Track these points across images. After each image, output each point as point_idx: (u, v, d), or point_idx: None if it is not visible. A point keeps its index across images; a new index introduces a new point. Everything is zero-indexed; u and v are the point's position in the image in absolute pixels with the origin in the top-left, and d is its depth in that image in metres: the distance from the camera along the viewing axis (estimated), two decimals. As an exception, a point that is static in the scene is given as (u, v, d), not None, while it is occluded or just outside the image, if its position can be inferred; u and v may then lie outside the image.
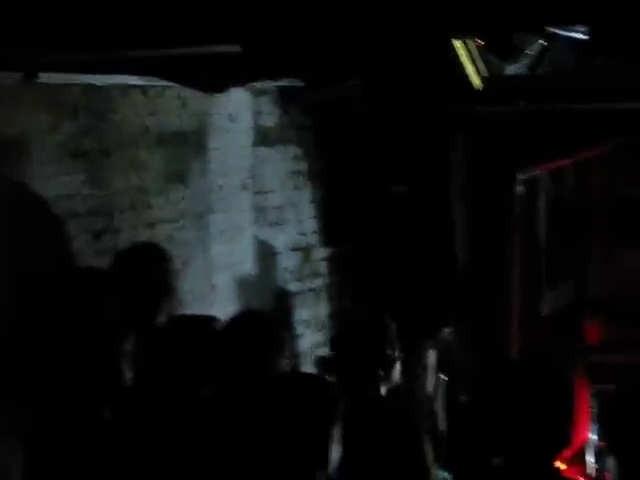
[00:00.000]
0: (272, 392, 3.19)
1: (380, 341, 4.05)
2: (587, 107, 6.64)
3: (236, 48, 3.90)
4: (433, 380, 6.39)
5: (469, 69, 6.49)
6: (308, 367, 6.19)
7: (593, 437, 7.19)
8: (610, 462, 4.04)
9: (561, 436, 3.14)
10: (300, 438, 3.03)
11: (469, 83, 6.47)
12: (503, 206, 6.91)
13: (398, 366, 4.11)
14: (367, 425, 3.64)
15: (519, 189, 6.97)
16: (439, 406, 6.25)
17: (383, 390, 4.07)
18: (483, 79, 6.63)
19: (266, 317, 4.13)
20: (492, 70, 6.73)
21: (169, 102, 5.48)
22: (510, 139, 6.81)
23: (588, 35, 6.36)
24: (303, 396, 3.11)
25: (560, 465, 6.74)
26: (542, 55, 6.86)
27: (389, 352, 4.05)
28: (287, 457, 3.02)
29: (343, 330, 4.35)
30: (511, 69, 6.94)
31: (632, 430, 3.80)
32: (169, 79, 5.29)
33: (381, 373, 3.97)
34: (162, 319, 4.42)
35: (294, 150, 6.44)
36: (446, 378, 6.47)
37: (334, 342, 4.27)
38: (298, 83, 6.07)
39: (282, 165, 6.35)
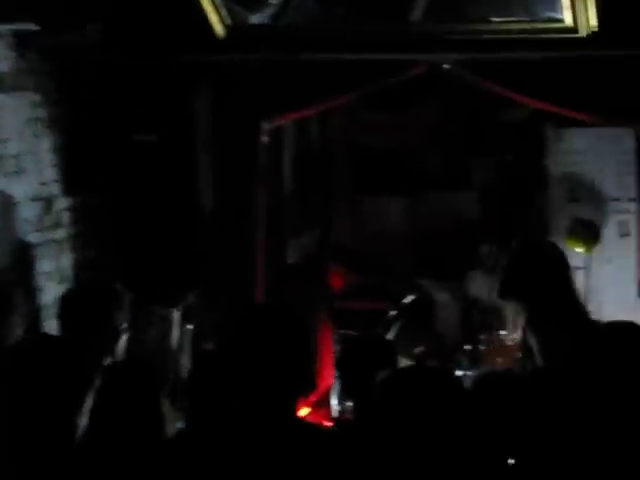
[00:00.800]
0: (12, 358, 3.04)
1: (106, 306, 4.03)
2: (330, 57, 6.73)
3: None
4: (178, 333, 6.38)
5: (212, 17, 6.44)
6: (51, 322, 6.04)
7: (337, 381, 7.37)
8: (348, 405, 4.17)
9: (303, 382, 3.16)
10: (44, 407, 2.92)
11: (212, 31, 6.43)
12: (247, 156, 6.92)
13: (126, 326, 4.11)
14: (103, 385, 3.55)
15: (264, 139, 7.00)
16: (185, 357, 6.26)
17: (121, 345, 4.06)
18: (227, 28, 6.60)
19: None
20: (236, 19, 6.71)
21: None
22: (255, 88, 6.82)
23: None
24: (50, 363, 2.99)
25: (305, 410, 6.89)
26: (286, 4, 6.89)
27: (115, 315, 4.04)
28: (31, 428, 2.91)
29: (69, 292, 4.36)
30: (255, 18, 6.95)
31: (364, 374, 3.92)
32: None
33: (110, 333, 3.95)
34: None
35: (32, 96, 6.21)
36: (191, 327, 6.48)
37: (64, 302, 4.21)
38: (34, 27, 5.85)
39: (19, 112, 6.11)
